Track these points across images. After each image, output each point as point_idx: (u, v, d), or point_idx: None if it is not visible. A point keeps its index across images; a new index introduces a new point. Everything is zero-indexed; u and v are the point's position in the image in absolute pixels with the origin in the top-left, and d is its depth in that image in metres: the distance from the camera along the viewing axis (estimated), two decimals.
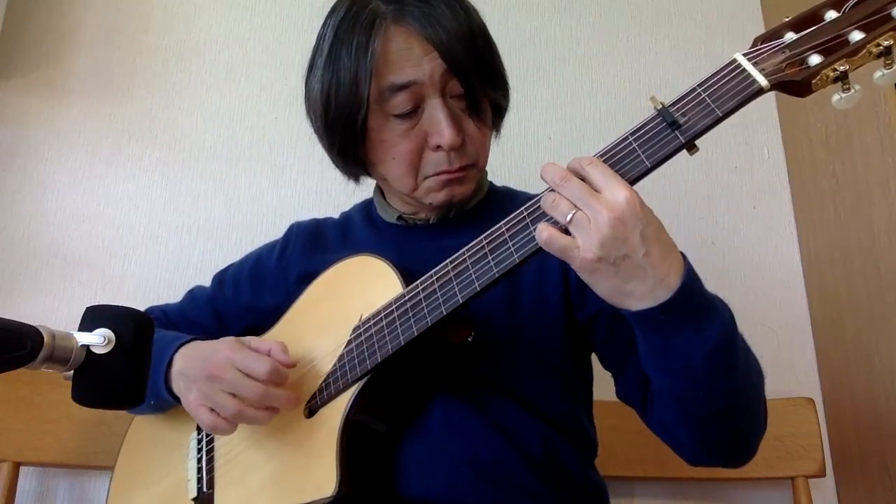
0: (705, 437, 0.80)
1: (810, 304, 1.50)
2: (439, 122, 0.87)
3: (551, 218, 0.69)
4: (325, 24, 0.93)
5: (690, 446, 0.83)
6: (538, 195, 0.72)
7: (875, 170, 1.30)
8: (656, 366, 0.77)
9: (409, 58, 0.86)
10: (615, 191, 0.66)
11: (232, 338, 0.89)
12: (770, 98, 1.63)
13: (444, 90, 0.88)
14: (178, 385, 0.90)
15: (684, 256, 0.71)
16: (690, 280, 0.69)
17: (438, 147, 0.88)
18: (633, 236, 0.66)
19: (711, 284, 0.74)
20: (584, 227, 0.66)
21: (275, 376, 0.82)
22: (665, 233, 0.70)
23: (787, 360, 1.46)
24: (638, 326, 0.73)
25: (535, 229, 0.70)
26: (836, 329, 1.41)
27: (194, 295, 1.14)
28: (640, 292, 0.69)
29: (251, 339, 0.89)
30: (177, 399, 0.90)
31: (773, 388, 1.32)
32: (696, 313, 0.71)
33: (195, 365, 0.87)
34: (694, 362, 0.72)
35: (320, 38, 0.94)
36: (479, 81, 0.89)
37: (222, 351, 0.85)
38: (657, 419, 0.85)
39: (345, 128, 0.90)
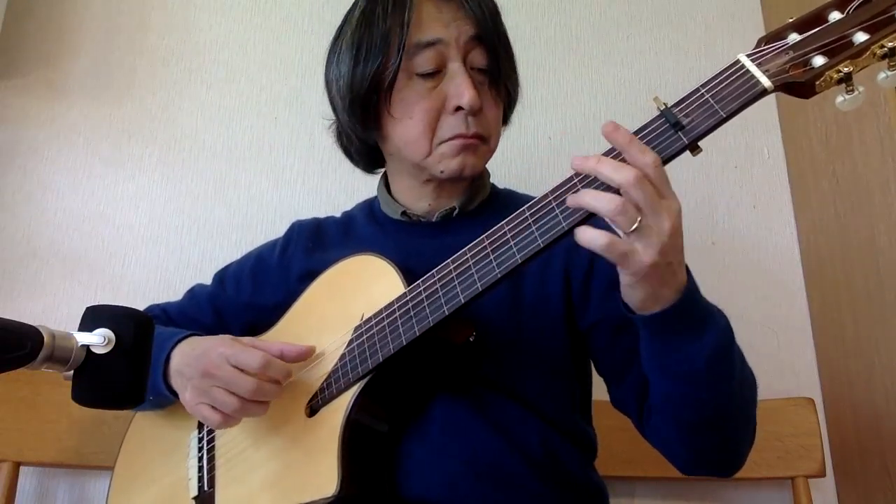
0: (699, 444, 0.81)
1: (810, 304, 1.50)
2: (460, 83, 0.89)
3: (554, 216, 0.69)
4: (352, 6, 0.98)
5: (683, 454, 0.84)
6: (539, 196, 0.73)
7: (875, 170, 1.30)
8: (664, 370, 0.77)
9: (437, 19, 0.90)
10: (673, 199, 0.66)
11: (229, 336, 0.88)
12: (770, 98, 1.61)
13: (467, 58, 0.91)
14: (175, 382, 0.90)
15: None
16: (693, 282, 0.71)
17: (457, 109, 0.90)
18: (680, 244, 0.68)
19: (711, 284, 0.75)
20: (647, 234, 0.65)
21: (268, 369, 0.82)
22: None
23: (787, 360, 1.46)
24: (653, 330, 0.73)
25: (536, 228, 0.71)
26: (836, 329, 1.41)
27: (195, 293, 1.14)
28: (665, 297, 0.70)
29: (252, 340, 0.88)
30: (176, 395, 0.90)
31: (773, 388, 1.33)
32: (701, 315, 0.72)
33: (190, 362, 0.87)
34: (697, 365, 0.73)
35: (350, 10, 0.98)
36: (502, 54, 0.93)
37: (216, 347, 0.84)
38: (653, 428, 0.85)
39: (372, 82, 0.91)
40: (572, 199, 0.68)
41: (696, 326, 0.72)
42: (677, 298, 0.69)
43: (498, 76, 0.94)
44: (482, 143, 0.93)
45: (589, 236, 0.66)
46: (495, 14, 0.95)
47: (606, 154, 0.69)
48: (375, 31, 0.91)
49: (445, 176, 0.94)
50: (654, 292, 0.69)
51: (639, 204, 0.65)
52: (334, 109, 1.01)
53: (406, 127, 0.92)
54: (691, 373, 0.73)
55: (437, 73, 0.91)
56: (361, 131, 0.98)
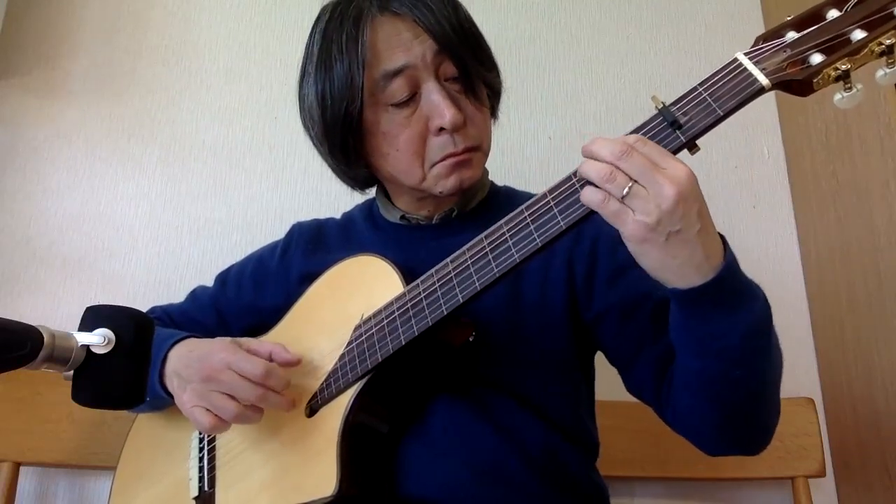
0: (729, 422, 0.79)
1: (810, 304, 1.50)
2: (438, 104, 0.87)
3: (552, 215, 0.69)
4: (312, 31, 0.95)
5: (711, 433, 0.82)
6: (540, 193, 0.72)
7: (875, 170, 1.30)
8: (695, 348, 0.75)
9: (398, 43, 0.87)
10: (677, 166, 0.65)
11: (228, 339, 0.88)
12: (770, 98, 1.63)
13: (438, 72, 0.88)
14: (171, 383, 0.89)
15: (722, 236, 0.71)
16: (733, 258, 0.70)
17: (441, 130, 0.88)
18: (692, 212, 0.65)
19: None
20: (643, 198, 0.65)
21: (269, 378, 0.82)
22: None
23: (787, 360, 1.45)
24: (682, 305, 0.72)
25: (534, 227, 0.71)
26: (836, 329, 1.41)
27: (196, 295, 1.14)
28: (685, 269, 0.68)
29: (249, 341, 0.88)
30: (171, 396, 0.90)
31: None
32: (741, 291, 0.71)
33: (190, 364, 0.86)
34: (733, 342, 0.71)
35: (309, 45, 0.95)
36: (471, 60, 0.89)
37: (217, 352, 0.84)
38: (676, 410, 0.83)
39: (343, 125, 0.90)
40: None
41: (732, 303, 0.70)
42: (710, 276, 0.68)
43: (471, 85, 0.90)
44: (475, 152, 0.92)
45: (586, 194, 0.67)
46: (453, 19, 0.88)
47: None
48: (335, 72, 0.88)
49: (445, 194, 0.93)
50: (665, 263, 0.68)
51: (629, 171, 0.65)
52: (318, 151, 0.99)
53: (395, 159, 0.91)
54: (724, 350, 0.72)
55: (412, 98, 0.88)
56: (349, 170, 0.98)
